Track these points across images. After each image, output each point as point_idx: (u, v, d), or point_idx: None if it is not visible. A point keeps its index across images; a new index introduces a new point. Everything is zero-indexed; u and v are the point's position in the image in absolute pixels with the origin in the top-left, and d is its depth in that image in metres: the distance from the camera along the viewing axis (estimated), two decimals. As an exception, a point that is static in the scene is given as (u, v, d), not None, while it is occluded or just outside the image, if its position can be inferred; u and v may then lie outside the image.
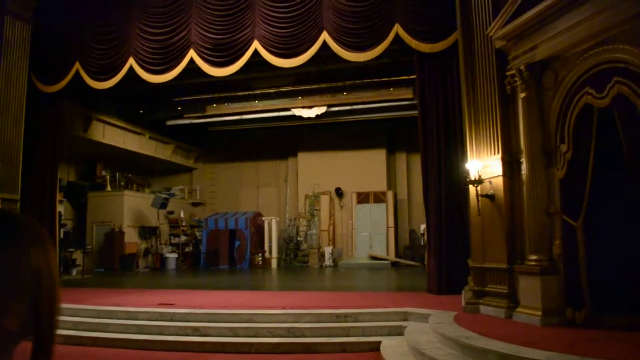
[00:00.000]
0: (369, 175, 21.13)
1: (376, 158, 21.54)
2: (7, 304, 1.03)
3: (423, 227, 12.60)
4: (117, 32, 12.67)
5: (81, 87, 13.08)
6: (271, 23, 11.44)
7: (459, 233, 9.69)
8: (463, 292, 8.39)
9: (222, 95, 18.23)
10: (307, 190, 22.03)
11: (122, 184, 21.36)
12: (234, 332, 7.83)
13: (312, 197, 21.88)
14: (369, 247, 20.30)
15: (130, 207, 19.86)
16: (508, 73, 7.43)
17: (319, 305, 8.67)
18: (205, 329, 7.95)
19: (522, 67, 7.04)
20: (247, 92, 18.01)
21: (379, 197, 20.77)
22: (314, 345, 7.29)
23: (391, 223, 20.50)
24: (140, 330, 8.16)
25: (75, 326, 8.57)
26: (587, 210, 6.28)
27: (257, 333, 7.76)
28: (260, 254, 20.35)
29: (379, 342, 7.06)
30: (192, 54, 11.93)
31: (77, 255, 17.43)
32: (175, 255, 20.72)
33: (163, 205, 20.13)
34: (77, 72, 12.79)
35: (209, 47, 11.87)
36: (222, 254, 20.94)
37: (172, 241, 21.83)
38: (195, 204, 24.31)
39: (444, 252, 9.94)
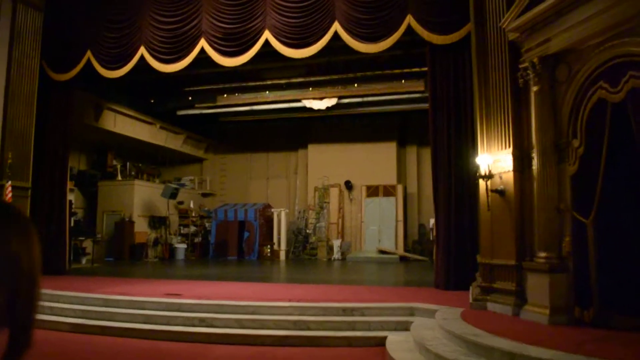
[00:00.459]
0: (379, 169, 21.02)
1: (386, 151, 21.41)
2: None
3: (432, 221, 12.48)
4: (128, 21, 12.64)
5: (92, 75, 13.09)
6: (282, 13, 11.35)
7: (468, 228, 9.60)
8: (471, 288, 8.30)
9: (232, 85, 18.21)
10: (316, 183, 21.98)
11: (133, 173, 21.46)
12: (240, 324, 7.81)
13: (321, 189, 21.83)
14: (378, 241, 20.22)
15: (140, 197, 19.95)
16: (521, 66, 7.30)
17: (325, 299, 8.64)
18: (212, 320, 7.95)
19: (535, 60, 6.91)
20: (257, 83, 17.96)
21: (388, 191, 20.66)
22: (320, 338, 7.26)
23: (400, 217, 20.40)
24: (147, 320, 8.17)
25: (83, 314, 8.64)
26: (598, 207, 6.15)
27: (263, 325, 7.74)
28: (268, 246, 20.36)
29: (385, 337, 7.02)
30: (202, 43, 11.88)
31: (87, 244, 17.54)
32: (184, 245, 20.78)
33: (173, 195, 20.18)
34: (89, 60, 12.80)
35: (220, 36, 11.82)
36: (231, 245, 20.98)
37: (182, 231, 21.90)
38: (205, 195, 24.37)
39: (452, 248, 9.85)
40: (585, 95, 6.39)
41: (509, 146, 7.48)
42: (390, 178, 21.04)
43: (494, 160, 7.73)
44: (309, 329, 7.58)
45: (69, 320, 8.39)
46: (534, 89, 7.03)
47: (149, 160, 23.32)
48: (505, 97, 7.61)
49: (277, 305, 8.29)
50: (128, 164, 21.50)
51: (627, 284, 5.90)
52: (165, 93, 19.24)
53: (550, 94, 6.89)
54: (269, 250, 20.26)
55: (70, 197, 15.75)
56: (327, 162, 21.83)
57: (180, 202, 21.93)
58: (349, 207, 21.76)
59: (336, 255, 20.02)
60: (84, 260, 16.89)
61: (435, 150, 10.39)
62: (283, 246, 20.44)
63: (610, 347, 5.24)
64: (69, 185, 14.58)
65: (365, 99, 18.05)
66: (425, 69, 11.32)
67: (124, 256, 18.57)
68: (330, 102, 18.11)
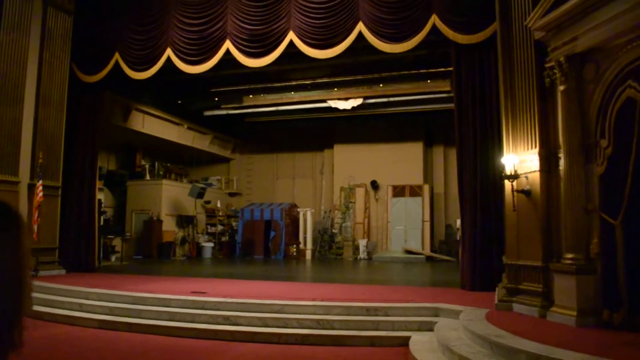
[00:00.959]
0: (405, 169, 20.91)
1: (413, 151, 21.30)
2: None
3: (459, 221, 12.38)
4: (154, 23, 12.85)
5: (121, 77, 13.35)
6: (306, 13, 11.40)
7: (494, 229, 9.49)
8: (497, 289, 8.22)
9: (258, 86, 18.34)
10: (342, 183, 21.97)
11: (161, 173, 21.78)
12: (264, 322, 7.87)
13: (347, 189, 21.81)
14: (404, 241, 20.13)
15: (168, 196, 20.23)
16: (547, 65, 7.20)
17: (349, 298, 8.64)
18: (236, 318, 8.02)
19: (561, 59, 6.81)
20: (283, 84, 18.04)
21: (415, 191, 20.56)
22: (343, 338, 7.26)
23: (427, 217, 20.28)
24: (172, 317, 8.29)
25: (111, 311, 8.79)
26: (627, 208, 6.03)
27: (286, 324, 7.78)
28: (294, 245, 20.44)
29: (409, 337, 6.99)
30: (228, 44, 12.00)
31: (117, 242, 17.87)
32: (211, 244, 21.00)
33: (200, 195, 20.41)
34: (117, 62, 13.06)
35: (245, 37, 11.92)
36: (257, 244, 21.13)
37: (209, 230, 22.13)
38: (231, 194, 24.58)
39: (478, 248, 9.76)
40: (613, 95, 6.27)
41: (535, 146, 7.38)
42: (417, 178, 20.93)
43: (520, 160, 7.64)
44: (332, 328, 7.60)
45: (97, 317, 8.56)
46: (561, 88, 6.92)
47: (176, 160, 23.63)
48: (532, 97, 7.51)
49: (300, 304, 8.33)
50: (156, 163, 21.84)
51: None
52: (192, 94, 19.47)
53: (577, 93, 6.78)
54: (295, 249, 20.35)
55: (100, 196, 16.06)
56: (353, 162, 21.81)
57: (208, 202, 22.17)
58: (374, 207, 21.71)
59: (362, 255, 20.01)
60: (113, 258, 17.21)
61: (461, 151, 10.31)
62: (309, 245, 20.51)
63: None
64: (99, 184, 14.88)
65: (391, 99, 17.98)
66: (451, 68, 11.21)
67: (152, 254, 18.87)
68: (356, 102, 18.09)
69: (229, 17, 12.03)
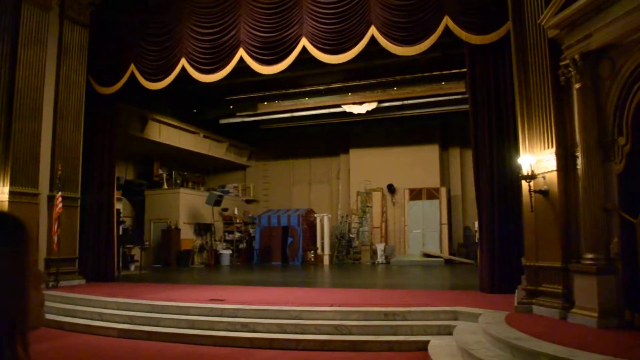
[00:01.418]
0: (422, 171, 20.81)
1: (429, 154, 21.19)
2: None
3: (477, 224, 12.28)
4: (169, 34, 12.98)
5: (137, 88, 13.49)
6: (319, 19, 11.43)
7: (512, 230, 9.39)
8: (516, 291, 8.12)
9: (272, 93, 18.42)
10: (358, 187, 21.92)
11: (178, 182, 21.94)
12: (282, 329, 7.86)
13: (364, 193, 21.76)
14: (422, 244, 20.02)
15: (185, 205, 20.35)
16: (562, 63, 7.12)
17: (367, 303, 8.60)
18: (254, 324, 8.02)
19: (576, 57, 6.73)
20: (297, 90, 18.09)
21: (432, 194, 20.44)
22: (361, 343, 7.23)
23: (445, 220, 20.15)
24: (191, 325, 8.32)
25: (131, 320, 8.85)
26: (648, 206, 5.93)
27: (304, 330, 7.76)
28: (312, 251, 20.44)
29: (427, 342, 6.93)
30: (241, 52, 12.07)
31: (136, 251, 18.01)
32: (229, 251, 21.09)
33: (217, 202, 20.52)
34: (132, 73, 13.20)
35: (258, 45, 11.98)
36: (274, 251, 21.17)
37: (227, 238, 22.23)
38: (248, 201, 24.68)
39: (496, 250, 9.67)
40: (630, 91, 6.18)
41: (552, 146, 7.29)
42: (434, 181, 20.82)
43: (537, 160, 7.56)
44: (350, 333, 7.56)
45: (117, 326, 8.62)
46: (576, 86, 6.84)
47: (193, 169, 23.80)
48: (547, 96, 7.43)
49: (318, 310, 8.31)
50: (173, 172, 22.01)
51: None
52: (208, 102, 19.63)
53: (593, 90, 6.69)
54: (312, 255, 20.34)
55: (118, 206, 16.23)
56: (368, 166, 21.76)
57: (225, 209, 22.27)
58: (392, 210, 21.62)
59: (380, 259, 19.93)
60: (132, 267, 17.34)
61: (477, 152, 10.23)
62: (326, 251, 20.49)
63: (663, 351, 5.04)
64: (117, 194, 15.04)
65: (405, 102, 17.92)
66: (465, 69, 11.14)
67: (171, 263, 18.99)
68: (370, 106, 18.07)
69: (242, 25, 12.10)
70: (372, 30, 10.89)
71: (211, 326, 8.19)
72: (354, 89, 17.77)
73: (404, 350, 6.97)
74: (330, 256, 20.67)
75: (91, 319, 9.12)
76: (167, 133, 19.18)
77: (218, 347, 7.48)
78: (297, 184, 24.35)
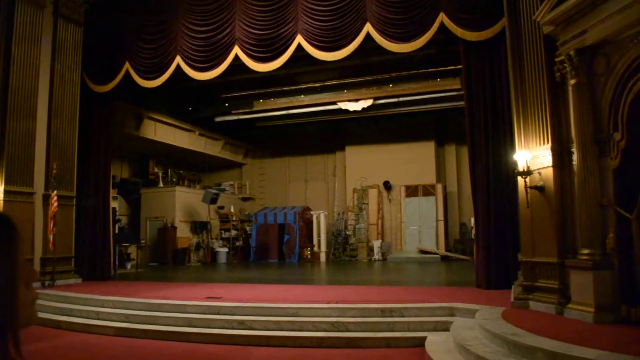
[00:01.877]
0: (418, 168, 20.84)
1: (425, 150, 21.22)
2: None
3: (473, 220, 12.30)
4: (164, 32, 12.94)
5: (131, 86, 13.46)
6: (314, 16, 11.41)
7: (508, 226, 9.42)
8: (512, 287, 8.14)
9: (268, 90, 18.42)
10: (355, 184, 21.95)
11: (174, 180, 21.89)
12: (279, 326, 7.86)
13: (360, 190, 21.79)
14: (418, 241, 20.06)
15: (181, 203, 20.33)
16: (557, 59, 7.12)
17: (364, 300, 8.60)
18: (251, 322, 8.01)
19: (571, 53, 6.73)
20: (292, 87, 18.10)
21: (428, 190, 20.47)
22: (358, 340, 7.23)
23: (441, 216, 20.18)
24: (188, 323, 8.30)
25: (127, 318, 8.83)
26: (643, 201, 5.94)
27: (301, 327, 7.76)
28: (309, 248, 20.45)
29: (424, 338, 6.93)
30: (236, 50, 12.05)
31: (132, 250, 17.99)
32: (225, 249, 21.08)
33: (213, 200, 20.49)
34: (127, 71, 13.16)
35: (253, 42, 11.96)
36: (271, 248, 21.19)
37: (223, 235, 22.21)
38: (244, 199, 24.66)
39: (492, 246, 9.68)
40: (625, 87, 6.19)
41: (548, 141, 7.30)
42: (430, 177, 20.85)
43: (533, 156, 7.57)
44: (347, 330, 7.57)
45: (114, 325, 8.60)
46: (572, 82, 6.84)
47: (189, 167, 23.77)
48: (542, 92, 7.44)
49: (315, 307, 8.30)
50: (169, 170, 21.96)
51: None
52: (203, 100, 19.59)
53: (589, 86, 6.70)
54: (309, 252, 20.35)
55: (114, 204, 16.20)
56: (365, 163, 21.78)
57: (221, 207, 22.25)
58: (388, 207, 21.65)
59: (377, 256, 19.96)
60: (128, 266, 17.31)
61: (473, 148, 10.24)
62: (323, 248, 20.50)
63: (659, 346, 5.06)
64: (113, 193, 15.00)
65: (401, 99, 17.97)
66: (460, 66, 11.15)
67: (167, 261, 18.96)
68: (366, 103, 18.09)
69: (237, 22, 12.07)
70: (368, 27, 10.88)
71: (208, 324, 8.18)
72: (350, 86, 17.80)
73: (401, 347, 6.97)
74: (327, 253, 20.68)
75: (88, 318, 9.10)
76: (162, 131, 19.13)
77: (215, 345, 7.47)
78: (293, 181, 24.35)
